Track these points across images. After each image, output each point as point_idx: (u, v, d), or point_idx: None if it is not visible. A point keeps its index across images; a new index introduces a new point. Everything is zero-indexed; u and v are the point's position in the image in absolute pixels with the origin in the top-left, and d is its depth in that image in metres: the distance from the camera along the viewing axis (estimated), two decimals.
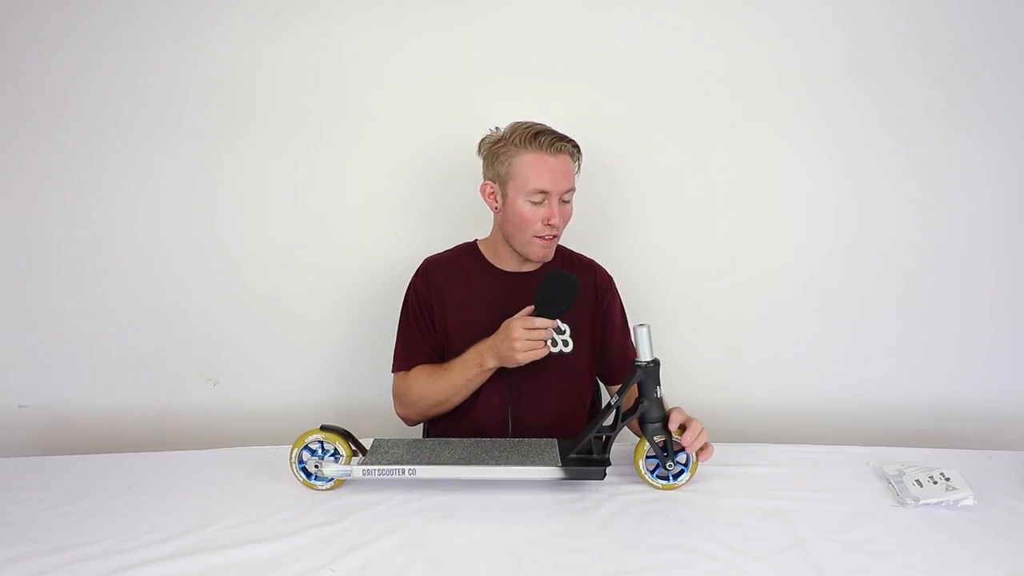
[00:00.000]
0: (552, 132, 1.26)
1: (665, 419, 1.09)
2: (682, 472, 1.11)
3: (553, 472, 1.08)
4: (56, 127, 1.66)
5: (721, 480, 1.13)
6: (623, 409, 1.11)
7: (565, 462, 1.10)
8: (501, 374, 1.26)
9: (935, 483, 1.07)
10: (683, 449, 1.09)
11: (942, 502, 1.03)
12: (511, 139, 1.26)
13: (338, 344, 1.74)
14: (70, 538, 1.02)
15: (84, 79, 1.64)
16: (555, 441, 1.17)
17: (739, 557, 0.92)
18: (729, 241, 1.65)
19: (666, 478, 1.11)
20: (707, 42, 1.59)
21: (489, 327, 1.23)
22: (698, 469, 1.12)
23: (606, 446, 1.12)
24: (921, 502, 1.03)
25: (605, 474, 1.09)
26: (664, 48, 1.60)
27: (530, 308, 1.19)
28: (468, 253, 1.41)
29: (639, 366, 1.08)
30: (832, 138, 1.60)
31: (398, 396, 1.37)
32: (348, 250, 1.70)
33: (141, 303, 1.72)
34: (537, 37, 1.61)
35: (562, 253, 1.43)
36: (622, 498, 1.08)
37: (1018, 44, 1.54)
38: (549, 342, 1.21)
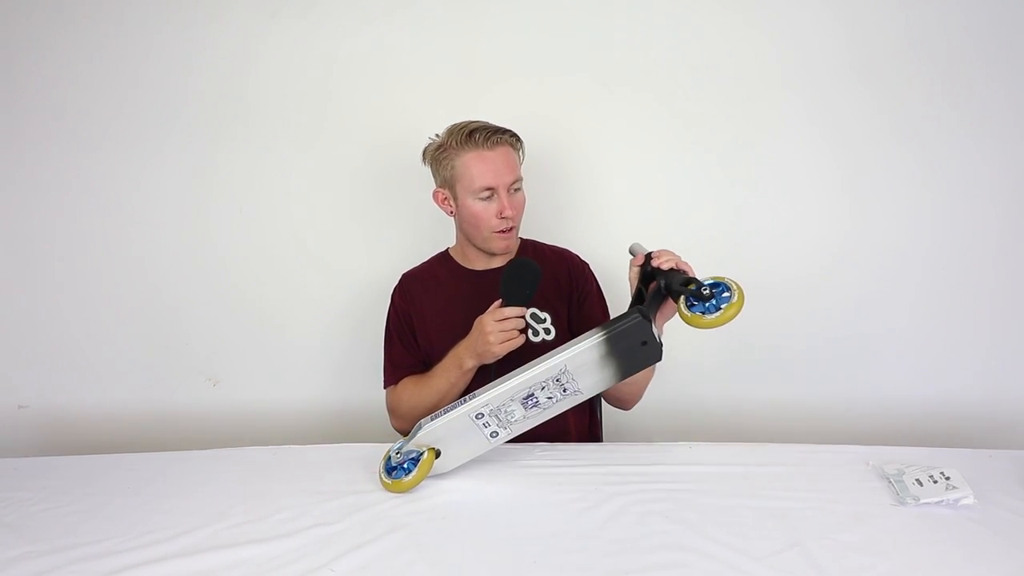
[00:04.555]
0: (487, 127, 1.28)
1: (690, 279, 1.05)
2: (727, 292, 1.02)
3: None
4: (54, 128, 1.66)
5: (721, 480, 1.12)
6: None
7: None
8: (486, 372, 1.26)
9: (935, 482, 1.06)
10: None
11: (942, 501, 1.03)
12: (449, 143, 1.28)
13: (339, 344, 1.74)
14: (70, 538, 1.02)
15: (82, 80, 1.64)
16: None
17: (739, 557, 0.92)
18: (729, 239, 1.65)
19: (710, 309, 1.01)
20: (709, 40, 1.59)
21: (468, 328, 1.24)
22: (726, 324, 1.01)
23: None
24: (921, 501, 1.03)
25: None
26: (664, 45, 1.60)
27: (499, 302, 1.20)
28: (441, 261, 1.45)
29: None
30: (833, 136, 1.60)
31: (392, 410, 1.39)
32: (348, 250, 1.70)
33: (141, 303, 1.72)
34: (538, 36, 1.60)
35: (532, 246, 1.45)
36: (622, 498, 1.08)
37: (1019, 43, 1.54)
38: (530, 332, 1.21)
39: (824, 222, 1.63)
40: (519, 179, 1.31)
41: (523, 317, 1.19)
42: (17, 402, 1.77)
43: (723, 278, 1.04)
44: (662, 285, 1.08)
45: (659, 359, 1.08)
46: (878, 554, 0.92)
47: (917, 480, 1.07)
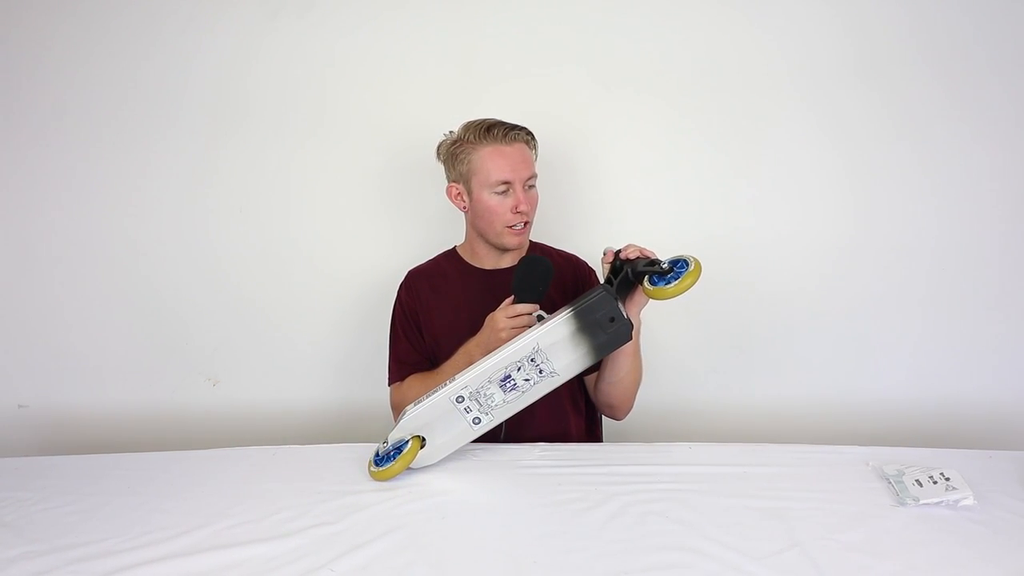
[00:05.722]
0: (504, 123, 1.30)
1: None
2: (684, 264, 1.08)
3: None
4: (54, 127, 1.66)
5: (721, 480, 1.12)
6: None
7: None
8: None
9: (935, 483, 1.06)
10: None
11: (942, 502, 1.03)
12: (466, 138, 1.30)
13: (339, 344, 1.74)
14: (70, 538, 1.02)
15: (81, 79, 1.64)
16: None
17: (739, 557, 0.92)
18: (730, 239, 1.65)
19: (671, 280, 1.07)
20: (711, 38, 1.59)
21: (474, 327, 1.24)
22: (689, 288, 1.06)
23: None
24: (921, 502, 1.03)
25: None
26: (666, 44, 1.60)
27: (510, 299, 1.20)
28: (448, 259, 1.45)
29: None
30: (835, 136, 1.60)
31: (396, 407, 1.38)
32: (348, 249, 1.71)
33: (141, 303, 1.72)
34: (539, 34, 1.61)
35: (541, 249, 1.45)
36: (622, 498, 1.07)
37: (1022, 42, 1.53)
38: None
39: (827, 221, 1.63)
40: (534, 175, 1.33)
41: (535, 316, 1.19)
42: (17, 402, 1.77)
43: (682, 255, 1.10)
44: (629, 272, 1.11)
45: (629, 338, 1.11)
46: (878, 554, 0.92)
47: (917, 481, 1.07)
